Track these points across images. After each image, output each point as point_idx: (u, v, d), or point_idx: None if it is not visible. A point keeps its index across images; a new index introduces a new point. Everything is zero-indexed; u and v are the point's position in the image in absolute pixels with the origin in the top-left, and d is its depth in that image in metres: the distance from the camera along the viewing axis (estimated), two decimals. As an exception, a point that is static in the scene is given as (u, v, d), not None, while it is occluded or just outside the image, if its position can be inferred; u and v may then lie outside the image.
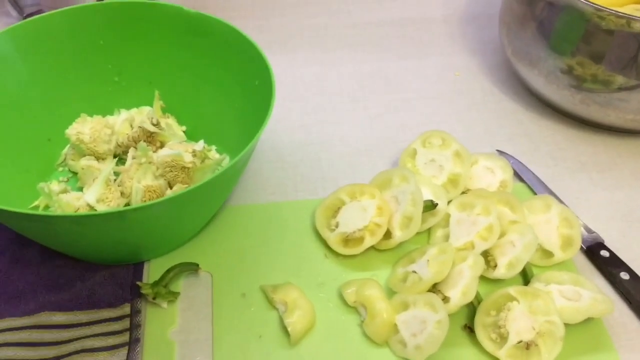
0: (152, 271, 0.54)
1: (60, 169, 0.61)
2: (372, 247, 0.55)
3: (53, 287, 0.52)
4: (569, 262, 0.55)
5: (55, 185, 0.57)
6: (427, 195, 0.57)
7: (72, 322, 0.50)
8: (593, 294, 0.50)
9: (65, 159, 0.61)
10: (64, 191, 0.56)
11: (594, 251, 0.55)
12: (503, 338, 0.48)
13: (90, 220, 0.44)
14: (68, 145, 0.61)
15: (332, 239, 0.55)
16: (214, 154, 0.61)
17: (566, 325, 0.48)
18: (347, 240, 0.55)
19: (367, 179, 0.58)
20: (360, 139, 0.67)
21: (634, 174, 0.63)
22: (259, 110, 0.52)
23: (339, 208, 0.56)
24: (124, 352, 0.48)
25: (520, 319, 0.48)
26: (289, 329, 0.49)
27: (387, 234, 0.55)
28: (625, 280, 0.53)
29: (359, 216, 0.55)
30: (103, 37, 0.62)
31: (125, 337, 0.49)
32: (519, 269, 0.52)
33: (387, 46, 0.79)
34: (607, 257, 0.55)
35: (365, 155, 0.65)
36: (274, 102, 0.51)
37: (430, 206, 0.55)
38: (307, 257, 0.55)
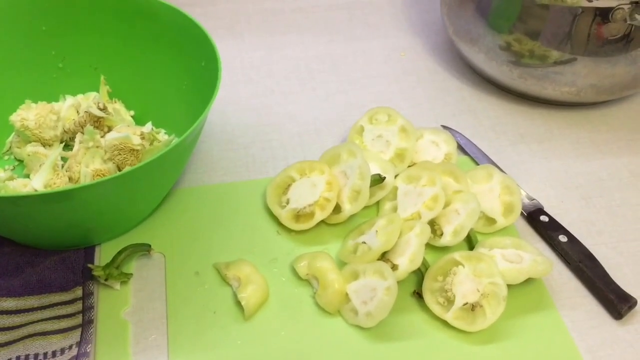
0: (104, 254, 0.54)
1: (6, 157, 0.60)
2: (323, 222, 0.56)
3: (2, 273, 0.51)
4: (511, 227, 0.57)
5: (0, 173, 0.56)
6: (375, 170, 0.58)
7: (22, 307, 0.49)
8: (533, 256, 0.52)
9: (10, 148, 0.61)
10: (10, 178, 0.56)
11: (534, 217, 0.58)
12: (450, 301, 0.50)
13: (34, 201, 0.44)
14: (13, 133, 0.61)
15: (284, 215, 0.56)
16: (162, 136, 0.61)
17: (509, 286, 0.50)
18: (298, 215, 0.56)
19: (317, 157, 0.60)
20: (310, 119, 0.68)
21: (571, 144, 0.66)
22: (207, 91, 0.52)
23: (289, 185, 0.57)
24: (77, 334, 0.48)
25: (465, 282, 0.50)
26: (242, 303, 0.50)
27: (337, 208, 0.56)
28: (564, 242, 0.55)
29: (309, 192, 0.56)
30: (45, 23, 0.61)
31: (78, 320, 0.49)
32: (464, 235, 0.54)
33: (334, 29, 0.81)
34: (547, 222, 0.57)
35: (314, 135, 0.66)
36: (221, 80, 0.52)
37: (378, 180, 0.57)
38: (260, 235, 0.56)
